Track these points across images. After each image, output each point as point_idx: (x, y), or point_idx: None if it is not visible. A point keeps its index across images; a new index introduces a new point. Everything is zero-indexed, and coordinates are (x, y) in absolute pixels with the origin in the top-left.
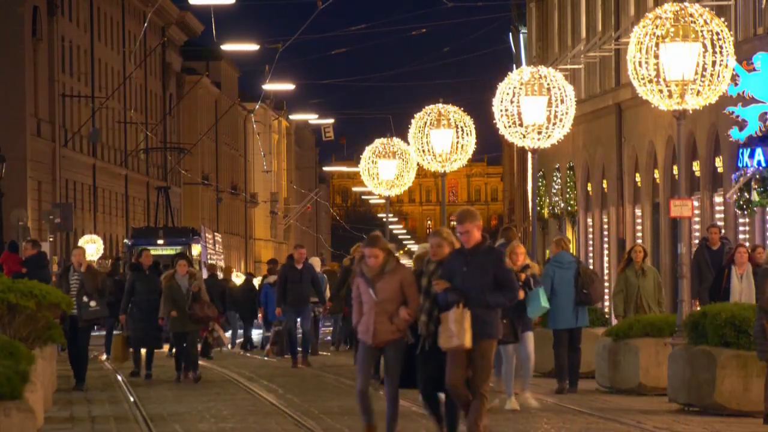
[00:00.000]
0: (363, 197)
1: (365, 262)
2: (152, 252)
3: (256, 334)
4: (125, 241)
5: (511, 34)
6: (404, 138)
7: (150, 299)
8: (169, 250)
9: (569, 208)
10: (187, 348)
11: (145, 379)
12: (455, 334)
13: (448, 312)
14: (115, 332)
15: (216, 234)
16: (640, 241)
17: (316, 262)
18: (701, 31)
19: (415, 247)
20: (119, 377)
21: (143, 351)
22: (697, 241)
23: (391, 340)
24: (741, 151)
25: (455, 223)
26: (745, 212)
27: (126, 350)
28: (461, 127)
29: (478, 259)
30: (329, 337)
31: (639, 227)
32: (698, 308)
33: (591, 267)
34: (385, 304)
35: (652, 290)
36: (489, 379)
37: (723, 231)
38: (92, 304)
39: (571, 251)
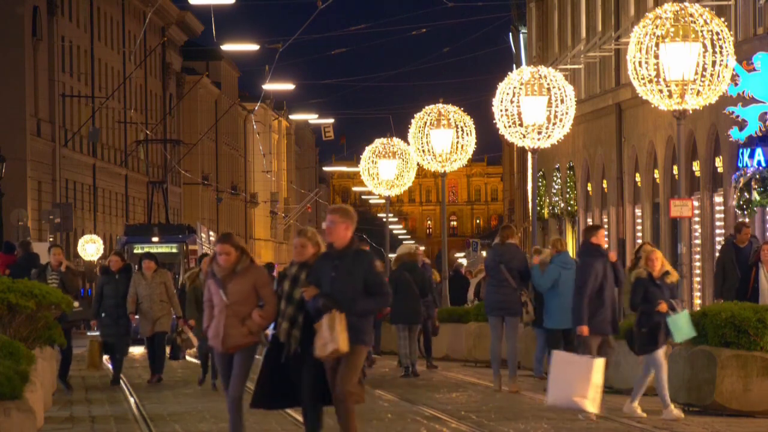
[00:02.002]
0: (363, 197)
1: (216, 260)
2: (147, 250)
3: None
4: (118, 238)
5: (511, 34)
6: (404, 138)
7: (118, 304)
8: (165, 248)
9: (569, 208)
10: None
11: (112, 383)
12: (329, 340)
13: (320, 320)
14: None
15: (211, 232)
16: (639, 240)
17: None
18: (701, 31)
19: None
20: (120, 376)
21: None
22: (698, 241)
23: (242, 345)
24: (741, 151)
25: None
26: (745, 212)
27: (101, 356)
28: (461, 127)
29: (347, 262)
30: None
31: (639, 227)
32: None
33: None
34: (236, 306)
35: None
36: (354, 381)
37: (735, 230)
38: (75, 304)
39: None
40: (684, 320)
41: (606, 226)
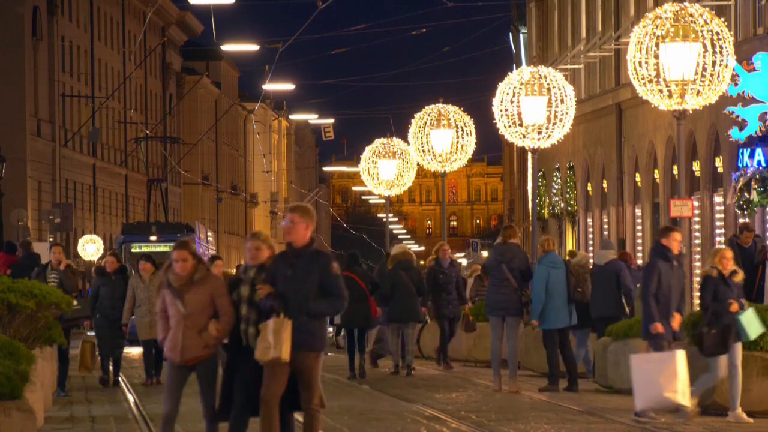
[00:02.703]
0: (363, 197)
1: (172, 269)
2: (145, 249)
3: None
4: (116, 237)
5: (511, 34)
6: (404, 138)
7: (113, 306)
8: (163, 247)
9: (569, 208)
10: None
11: (112, 385)
12: (272, 345)
13: (267, 321)
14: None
15: (209, 232)
16: (640, 240)
17: None
18: (701, 31)
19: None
20: (119, 378)
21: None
22: (697, 241)
23: (201, 357)
24: (741, 151)
25: (285, 212)
26: (745, 212)
27: (94, 357)
28: (461, 127)
29: (304, 262)
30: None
31: (639, 227)
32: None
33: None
34: (193, 317)
35: None
36: (318, 394)
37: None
38: (74, 303)
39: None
40: (754, 317)
41: (606, 226)
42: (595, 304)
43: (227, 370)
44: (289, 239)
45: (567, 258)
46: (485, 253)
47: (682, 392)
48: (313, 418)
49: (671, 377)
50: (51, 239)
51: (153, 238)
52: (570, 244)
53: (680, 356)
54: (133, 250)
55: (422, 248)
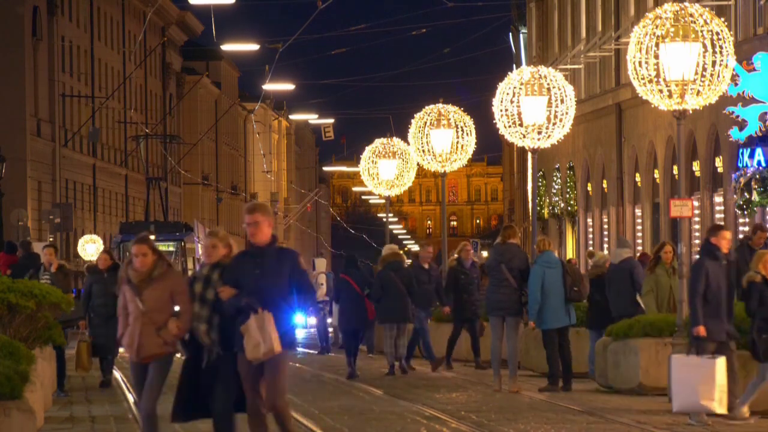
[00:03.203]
0: (363, 197)
1: (132, 265)
2: None
3: None
4: (114, 236)
5: (511, 34)
6: (404, 138)
7: (107, 303)
8: (162, 247)
9: (569, 208)
10: None
11: (101, 386)
12: (262, 341)
13: (247, 321)
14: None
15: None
16: (640, 239)
17: (321, 263)
18: (701, 31)
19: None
20: (119, 377)
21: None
22: (698, 242)
23: (158, 355)
24: (741, 151)
25: (245, 213)
26: (745, 212)
27: (90, 358)
28: (461, 127)
29: (271, 259)
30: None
31: (639, 227)
32: None
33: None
34: (152, 314)
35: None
36: (285, 394)
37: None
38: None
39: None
40: None
41: (606, 226)
42: (611, 303)
43: (186, 368)
44: (256, 240)
45: (586, 258)
46: (485, 253)
47: (719, 400)
48: (284, 417)
49: (709, 384)
50: (51, 239)
51: (151, 237)
52: (570, 244)
53: (720, 364)
54: None
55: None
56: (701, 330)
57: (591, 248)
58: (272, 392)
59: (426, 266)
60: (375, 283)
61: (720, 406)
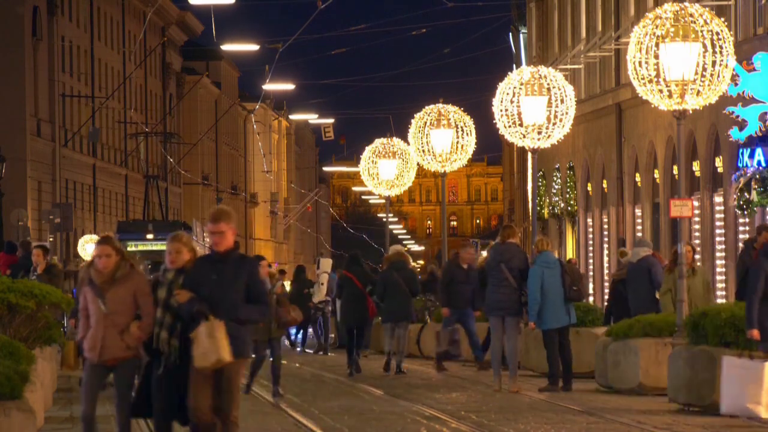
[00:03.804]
0: (363, 197)
1: (94, 265)
2: (141, 248)
3: None
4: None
5: (511, 34)
6: (404, 138)
7: None
8: (160, 246)
9: (569, 208)
10: (276, 358)
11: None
12: (210, 350)
13: (198, 328)
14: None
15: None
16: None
17: (327, 263)
18: (701, 31)
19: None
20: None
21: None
22: (698, 242)
23: (121, 358)
24: (741, 151)
25: (208, 221)
26: (745, 212)
27: (77, 357)
28: (461, 127)
29: (230, 267)
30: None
31: (639, 227)
32: None
33: (590, 267)
34: (115, 316)
35: (701, 290)
36: (238, 403)
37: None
38: None
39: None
40: None
41: (606, 226)
42: (630, 301)
43: (146, 369)
44: (220, 249)
45: (618, 257)
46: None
47: (766, 405)
48: (235, 427)
49: (758, 388)
50: (51, 239)
51: (149, 236)
52: (570, 245)
53: None
54: (129, 249)
55: (422, 248)
56: (755, 334)
57: (624, 248)
58: (227, 403)
59: (465, 266)
60: (378, 282)
61: (766, 411)
